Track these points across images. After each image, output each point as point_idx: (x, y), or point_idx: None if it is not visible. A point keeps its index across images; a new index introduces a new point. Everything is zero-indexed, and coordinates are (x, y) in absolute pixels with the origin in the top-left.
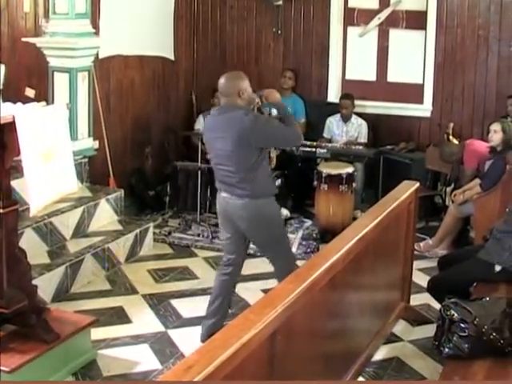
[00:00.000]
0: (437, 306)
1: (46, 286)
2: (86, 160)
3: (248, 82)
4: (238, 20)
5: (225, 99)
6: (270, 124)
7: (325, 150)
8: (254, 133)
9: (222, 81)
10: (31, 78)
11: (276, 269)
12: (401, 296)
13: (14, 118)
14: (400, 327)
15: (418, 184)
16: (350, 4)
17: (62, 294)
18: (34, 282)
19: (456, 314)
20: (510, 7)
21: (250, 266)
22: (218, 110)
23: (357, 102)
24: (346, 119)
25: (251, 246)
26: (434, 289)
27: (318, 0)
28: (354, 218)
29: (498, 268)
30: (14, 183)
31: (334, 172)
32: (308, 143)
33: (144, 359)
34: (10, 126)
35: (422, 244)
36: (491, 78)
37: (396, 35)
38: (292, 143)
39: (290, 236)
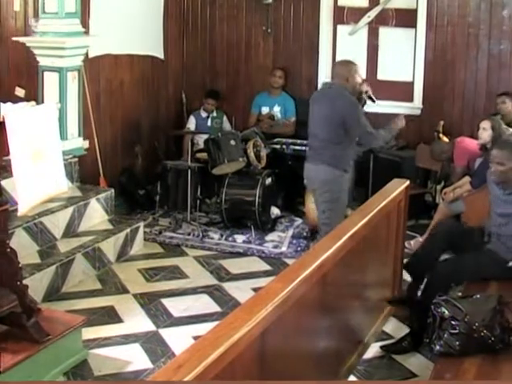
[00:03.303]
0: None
1: (36, 285)
2: (76, 160)
3: (358, 72)
4: (228, 18)
5: (335, 79)
6: (362, 116)
7: None
8: (348, 112)
9: (336, 64)
10: (21, 77)
11: (320, 233)
12: (391, 293)
13: (3, 117)
14: (391, 325)
15: (408, 182)
16: (340, 2)
17: (53, 293)
18: (24, 281)
19: (447, 312)
20: (500, 5)
21: (241, 265)
22: (326, 85)
23: None
24: None
25: (237, 244)
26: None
27: None
28: (345, 216)
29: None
30: (3, 183)
31: None
32: (298, 141)
33: (135, 358)
34: (0, 126)
35: (412, 242)
36: (481, 76)
37: (386, 33)
38: (369, 142)
39: (280, 234)
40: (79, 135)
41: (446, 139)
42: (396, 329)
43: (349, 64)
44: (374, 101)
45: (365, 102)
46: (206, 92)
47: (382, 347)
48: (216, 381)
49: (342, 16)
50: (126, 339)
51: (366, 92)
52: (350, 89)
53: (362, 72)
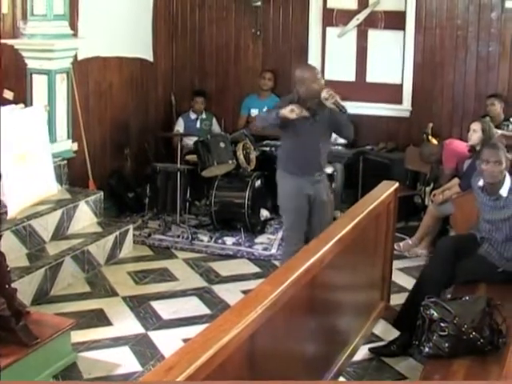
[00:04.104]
0: None
1: (25, 288)
2: (65, 162)
3: (312, 76)
4: (217, 21)
5: (295, 84)
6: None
7: None
8: None
9: (296, 69)
10: (9, 79)
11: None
12: (381, 296)
13: None
14: (380, 327)
15: (397, 184)
16: (329, 5)
17: (42, 296)
18: (13, 285)
19: (436, 314)
20: (489, 7)
21: (230, 267)
22: None
23: None
24: None
25: (227, 246)
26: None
27: (297, 1)
28: (334, 219)
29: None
30: None
31: None
32: None
33: (124, 361)
34: None
35: (401, 244)
36: (470, 78)
37: (375, 36)
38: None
39: (270, 237)
40: (68, 138)
41: (434, 141)
42: (385, 331)
43: (303, 69)
44: (343, 111)
45: (340, 110)
46: (193, 92)
47: (371, 349)
48: (206, 381)
49: (331, 18)
50: (116, 342)
51: (327, 99)
52: (303, 94)
53: (322, 76)
